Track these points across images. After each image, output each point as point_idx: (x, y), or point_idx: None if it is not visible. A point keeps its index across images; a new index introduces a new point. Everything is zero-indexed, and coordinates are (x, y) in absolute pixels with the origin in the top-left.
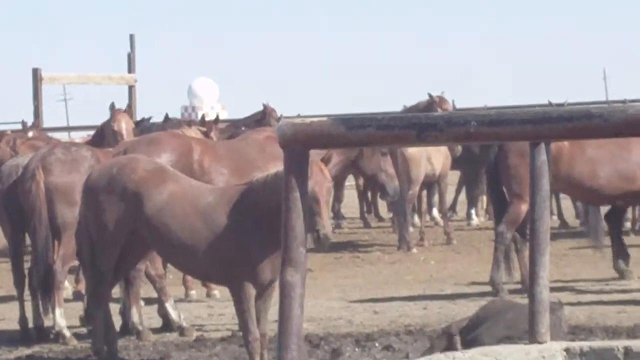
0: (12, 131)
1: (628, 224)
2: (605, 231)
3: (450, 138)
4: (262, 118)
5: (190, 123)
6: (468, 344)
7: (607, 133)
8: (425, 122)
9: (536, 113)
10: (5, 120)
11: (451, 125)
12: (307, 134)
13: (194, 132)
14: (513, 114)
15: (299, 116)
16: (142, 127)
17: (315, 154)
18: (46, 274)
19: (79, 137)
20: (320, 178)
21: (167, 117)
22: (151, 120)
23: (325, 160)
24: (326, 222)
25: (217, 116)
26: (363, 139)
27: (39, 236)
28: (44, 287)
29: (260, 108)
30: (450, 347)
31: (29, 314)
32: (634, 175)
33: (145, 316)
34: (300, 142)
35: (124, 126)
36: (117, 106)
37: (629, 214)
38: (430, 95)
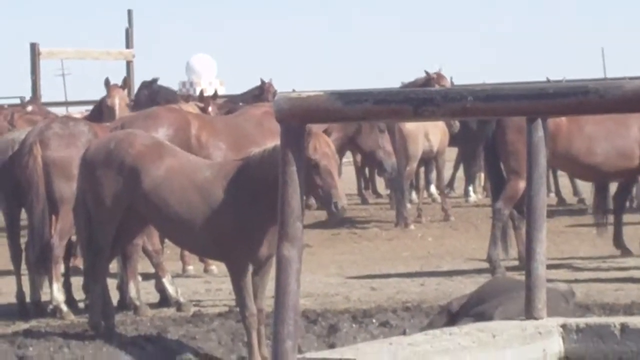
0: (10, 106)
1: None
2: (609, 209)
3: (446, 113)
4: (260, 94)
5: (187, 98)
6: (475, 319)
7: (604, 109)
8: (422, 97)
9: (532, 89)
10: (3, 95)
11: (448, 100)
12: (304, 109)
13: (191, 108)
14: (509, 90)
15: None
16: (152, 90)
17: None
18: (43, 248)
19: (76, 112)
20: (328, 150)
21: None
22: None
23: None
24: (342, 194)
25: (215, 92)
26: (360, 113)
27: (36, 211)
28: (40, 262)
29: (259, 84)
30: (449, 324)
31: (26, 288)
32: (632, 152)
33: (142, 291)
34: (297, 116)
35: (117, 102)
36: (113, 81)
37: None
38: (427, 73)
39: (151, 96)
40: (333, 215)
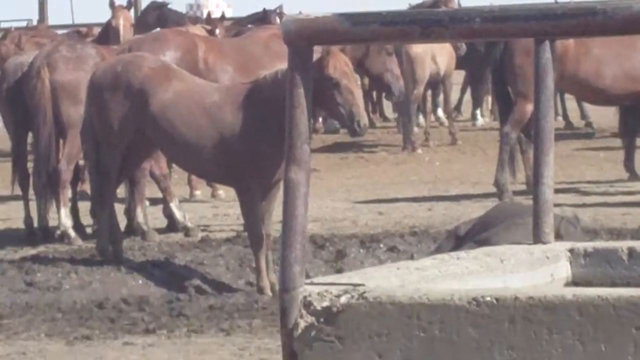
0: (17, 29)
1: None
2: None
3: (454, 35)
4: (264, 17)
5: (195, 20)
6: (479, 245)
7: (612, 30)
8: (429, 18)
9: (540, 9)
10: (10, 18)
11: (455, 21)
12: (312, 30)
13: (198, 30)
14: (517, 10)
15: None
16: (161, 12)
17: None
18: (50, 173)
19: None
20: (347, 69)
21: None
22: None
23: None
24: (363, 112)
25: (223, 14)
26: (367, 35)
27: (43, 134)
28: (47, 187)
29: (268, 5)
30: (456, 248)
31: (34, 214)
32: None
33: (150, 216)
34: (305, 38)
35: (122, 22)
36: (118, 2)
37: None
38: None
39: (160, 18)
40: (355, 133)
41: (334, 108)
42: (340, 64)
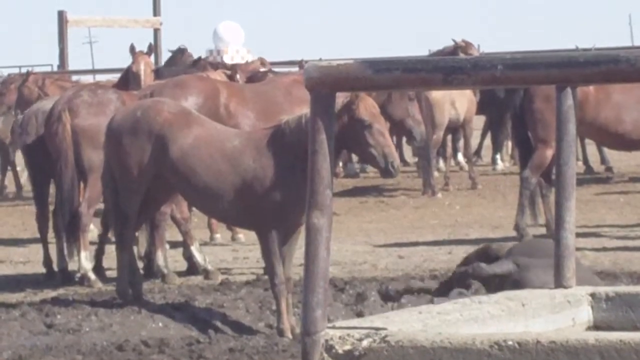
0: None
1: None
2: None
3: (476, 82)
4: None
5: (215, 66)
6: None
7: (635, 78)
8: (452, 65)
9: (562, 57)
10: (31, 64)
11: (478, 68)
12: (334, 77)
13: (218, 75)
14: (539, 58)
15: (320, 60)
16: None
17: (340, 97)
18: (71, 217)
19: (104, 80)
20: (376, 112)
21: (198, 60)
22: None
23: None
24: (395, 153)
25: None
26: (389, 82)
27: (65, 179)
28: (69, 230)
29: (287, 52)
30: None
31: (54, 256)
32: None
33: (170, 259)
34: (327, 84)
35: (143, 68)
36: (138, 49)
37: None
38: (454, 41)
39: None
40: (389, 174)
41: (365, 150)
42: (369, 107)
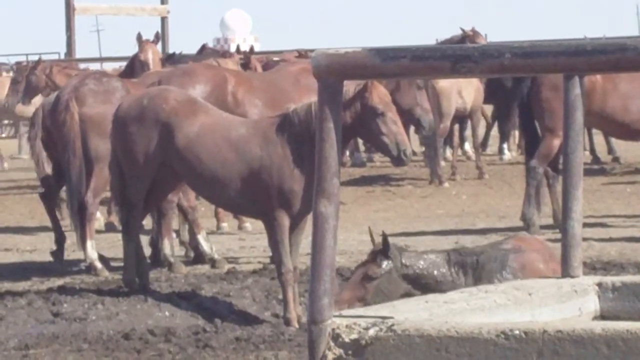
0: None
1: None
2: None
3: (484, 70)
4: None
5: (225, 54)
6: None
7: None
8: (459, 54)
9: (570, 45)
10: (38, 52)
11: (485, 57)
12: (342, 65)
13: (232, 64)
14: (547, 46)
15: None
16: (173, 60)
17: (352, 85)
18: (80, 206)
19: (110, 68)
20: (389, 100)
21: (203, 48)
22: (182, 53)
23: None
24: (407, 141)
25: (252, 47)
26: (397, 70)
27: (73, 168)
28: (77, 219)
29: (295, 41)
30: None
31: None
32: None
33: (176, 248)
34: (335, 72)
35: (151, 56)
36: (145, 37)
37: None
38: (462, 30)
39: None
40: (401, 162)
41: (378, 138)
42: (382, 95)
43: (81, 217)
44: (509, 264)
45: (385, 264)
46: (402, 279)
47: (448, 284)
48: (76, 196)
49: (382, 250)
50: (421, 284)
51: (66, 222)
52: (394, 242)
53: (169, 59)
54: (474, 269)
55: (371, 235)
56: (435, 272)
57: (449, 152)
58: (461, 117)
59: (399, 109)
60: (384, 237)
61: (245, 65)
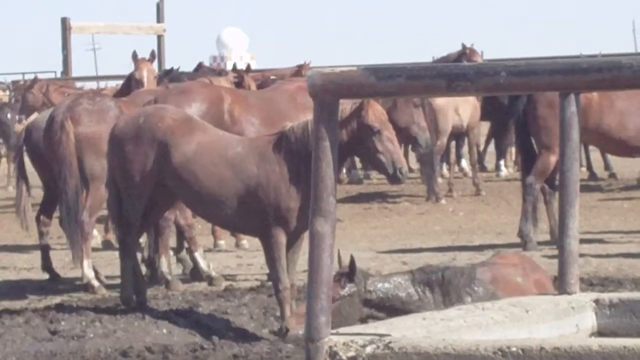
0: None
1: None
2: None
3: (480, 88)
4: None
5: (221, 72)
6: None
7: (637, 84)
8: (455, 72)
9: (566, 64)
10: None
11: (481, 75)
12: (337, 84)
13: (225, 82)
14: (543, 65)
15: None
16: (171, 76)
17: (348, 104)
18: (76, 225)
19: (109, 86)
20: (384, 118)
21: (199, 66)
22: (180, 70)
23: None
24: (403, 159)
25: (248, 65)
26: (393, 89)
27: (70, 187)
28: (74, 238)
29: (291, 59)
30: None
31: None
32: None
33: (173, 266)
34: (330, 91)
35: (145, 74)
36: (141, 55)
37: None
38: (463, 45)
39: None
40: (397, 180)
41: (374, 156)
42: (378, 113)
43: (77, 235)
44: (477, 277)
45: (348, 288)
46: (363, 304)
47: (415, 303)
48: (73, 215)
49: (347, 274)
50: (386, 307)
51: (61, 240)
52: (360, 267)
53: (166, 75)
54: (440, 285)
55: (339, 258)
56: (401, 294)
57: (445, 169)
58: (458, 134)
59: (396, 127)
60: (352, 260)
61: (239, 84)
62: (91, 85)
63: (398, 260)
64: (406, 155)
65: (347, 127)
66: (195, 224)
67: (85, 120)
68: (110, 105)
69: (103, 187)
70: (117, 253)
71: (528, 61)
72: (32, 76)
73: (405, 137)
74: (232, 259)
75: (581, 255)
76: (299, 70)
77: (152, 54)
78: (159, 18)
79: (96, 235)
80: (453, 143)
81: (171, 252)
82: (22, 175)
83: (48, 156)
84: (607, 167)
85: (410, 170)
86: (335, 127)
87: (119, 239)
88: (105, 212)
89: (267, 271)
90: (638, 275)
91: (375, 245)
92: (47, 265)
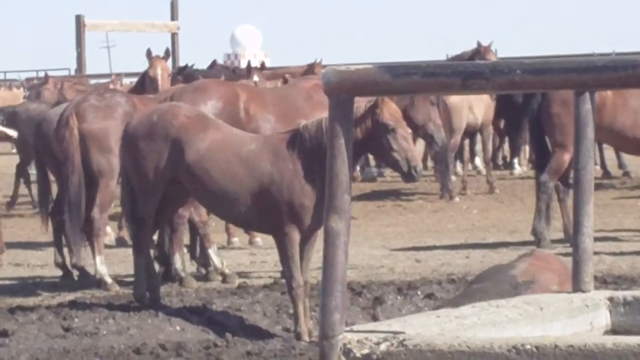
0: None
1: None
2: None
3: (495, 86)
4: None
5: (235, 70)
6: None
7: None
8: (470, 70)
9: (581, 62)
10: (49, 67)
11: (496, 73)
12: (353, 81)
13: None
14: (558, 63)
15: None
16: (185, 74)
17: (363, 101)
18: (83, 221)
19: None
20: (399, 117)
21: (213, 64)
22: (194, 67)
23: None
24: (418, 157)
25: (263, 63)
26: (408, 86)
27: (72, 183)
28: (79, 235)
29: (305, 57)
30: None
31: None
32: None
33: (187, 263)
34: (346, 89)
35: (159, 72)
36: (155, 53)
37: None
38: (479, 43)
39: (186, 80)
40: (412, 178)
41: (389, 154)
42: (393, 111)
43: (87, 232)
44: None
45: None
46: None
47: None
48: (76, 211)
49: None
50: None
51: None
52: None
53: (181, 72)
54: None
55: None
56: None
57: (459, 167)
58: (472, 132)
59: (413, 125)
60: None
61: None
62: (105, 82)
63: (412, 257)
64: (425, 158)
65: (361, 125)
66: (210, 221)
67: (91, 117)
68: (119, 102)
69: (112, 183)
70: (130, 250)
71: (543, 59)
72: (46, 73)
73: (422, 134)
74: (245, 256)
75: (595, 253)
76: (309, 69)
77: (167, 52)
78: (173, 16)
79: (110, 233)
80: (467, 141)
81: (185, 249)
82: (41, 172)
83: (57, 152)
84: (620, 165)
85: (424, 167)
86: (350, 124)
87: (132, 236)
88: (118, 210)
89: (281, 269)
90: None
91: (388, 242)
92: (60, 262)
